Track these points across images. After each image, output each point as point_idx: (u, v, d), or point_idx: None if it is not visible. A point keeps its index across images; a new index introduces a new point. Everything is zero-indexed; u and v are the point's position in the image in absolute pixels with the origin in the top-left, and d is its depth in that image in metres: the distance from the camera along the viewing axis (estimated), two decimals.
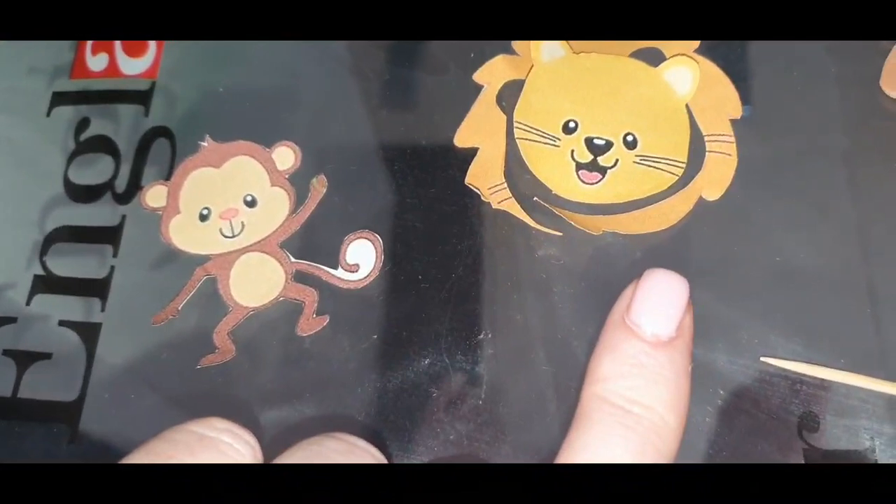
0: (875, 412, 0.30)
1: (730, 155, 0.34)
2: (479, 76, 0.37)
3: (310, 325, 0.34)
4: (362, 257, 0.35)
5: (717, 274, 0.33)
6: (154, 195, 0.37)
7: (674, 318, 0.23)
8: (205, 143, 0.37)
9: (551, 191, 0.34)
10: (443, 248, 0.35)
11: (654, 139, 0.34)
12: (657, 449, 0.21)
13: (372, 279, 0.35)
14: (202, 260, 0.36)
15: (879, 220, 0.33)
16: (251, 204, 0.36)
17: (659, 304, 0.23)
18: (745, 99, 0.35)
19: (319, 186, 0.36)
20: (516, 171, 0.35)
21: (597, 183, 0.34)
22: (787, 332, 0.31)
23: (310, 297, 0.35)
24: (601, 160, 0.34)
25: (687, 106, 0.35)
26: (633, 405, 0.21)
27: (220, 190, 0.37)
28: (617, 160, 0.34)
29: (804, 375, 0.31)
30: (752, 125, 0.34)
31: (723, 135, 0.34)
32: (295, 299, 0.35)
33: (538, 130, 0.35)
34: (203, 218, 0.36)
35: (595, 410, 0.21)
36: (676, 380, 0.22)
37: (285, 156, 0.37)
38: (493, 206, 0.35)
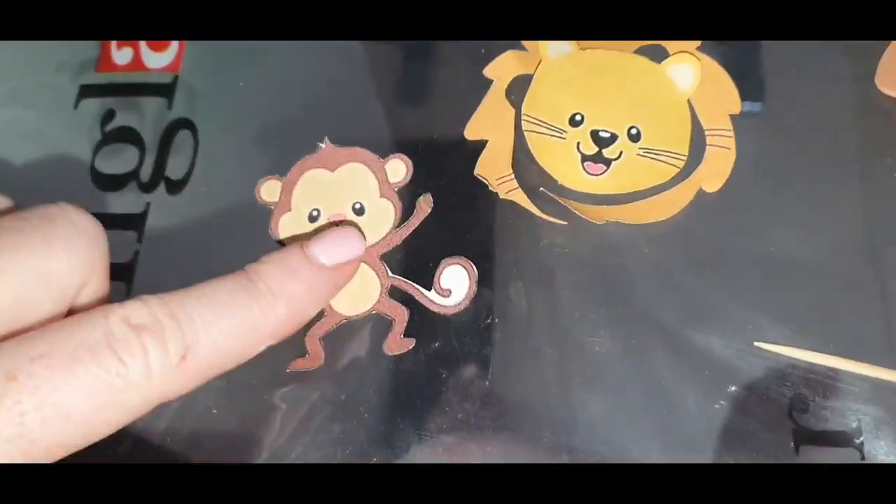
0: (861, 394, 0.31)
1: (729, 149, 0.35)
2: (489, 71, 0.38)
3: (398, 344, 0.35)
4: (456, 283, 0.35)
5: (714, 262, 0.34)
6: (269, 189, 0.38)
7: (335, 255, 0.30)
8: (323, 145, 0.38)
9: (557, 181, 0.36)
10: (452, 237, 0.36)
11: (657, 133, 0.36)
12: (253, 315, 0.26)
13: (464, 306, 0.35)
14: None
15: (870, 214, 0.34)
16: (359, 212, 0.37)
17: (332, 240, 0.30)
18: (745, 95, 0.36)
19: (425, 205, 0.37)
20: (524, 163, 0.36)
21: (601, 174, 0.35)
22: (780, 318, 0.33)
23: (401, 314, 0.35)
24: (606, 152, 0.36)
25: (689, 101, 0.36)
26: (260, 281, 0.27)
27: (332, 194, 0.37)
28: (621, 152, 0.36)
29: (795, 359, 0.32)
30: (751, 120, 0.36)
31: (723, 129, 0.36)
32: (386, 315, 0.35)
33: (545, 123, 0.36)
34: (312, 219, 0.37)
35: (235, 273, 0.27)
36: (310, 290, 0.28)
37: (398, 168, 0.37)
38: (501, 196, 0.36)
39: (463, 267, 0.35)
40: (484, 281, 0.35)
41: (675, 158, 0.35)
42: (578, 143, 0.36)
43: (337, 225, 0.36)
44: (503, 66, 0.38)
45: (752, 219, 0.34)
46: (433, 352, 0.34)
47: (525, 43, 0.38)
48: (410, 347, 0.35)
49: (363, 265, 0.36)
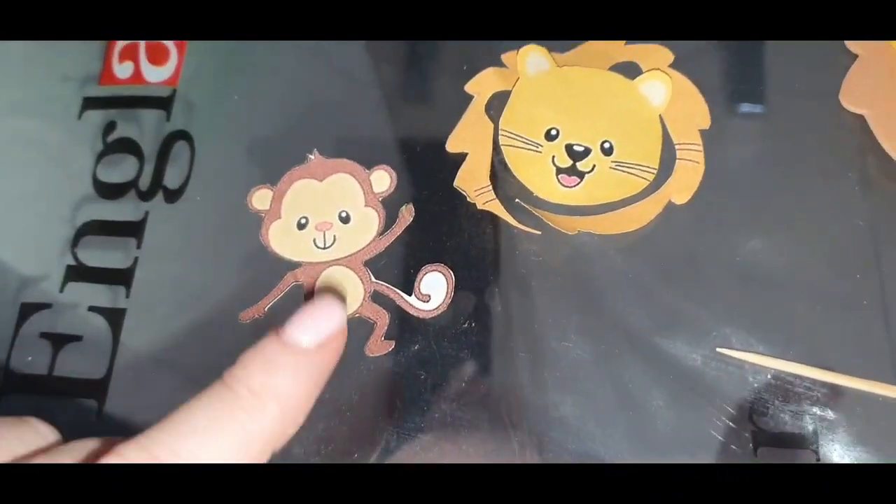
0: (819, 399, 0.33)
1: (698, 163, 0.37)
2: (470, 87, 0.40)
3: (378, 346, 0.36)
4: (435, 289, 0.37)
5: (682, 271, 0.36)
6: (260, 198, 0.39)
7: (316, 332, 0.26)
8: (312, 157, 0.40)
9: (532, 193, 0.37)
10: (433, 244, 0.38)
11: (629, 147, 0.37)
12: (243, 425, 0.23)
13: (441, 311, 0.36)
14: (293, 266, 0.38)
15: (832, 225, 0.35)
16: (345, 220, 0.38)
17: (308, 318, 0.26)
18: (715, 108, 0.38)
19: (407, 214, 0.38)
20: (501, 175, 0.38)
21: (575, 186, 0.37)
22: (743, 325, 0.34)
23: (382, 318, 0.37)
24: (580, 165, 0.37)
25: (660, 116, 0.38)
26: (240, 386, 0.24)
27: (320, 202, 0.39)
28: (594, 165, 0.37)
29: (756, 365, 0.34)
30: (719, 136, 0.37)
31: (692, 144, 0.37)
32: (369, 318, 0.37)
33: (522, 137, 0.38)
34: (301, 226, 0.39)
35: (214, 385, 0.24)
36: (297, 379, 0.25)
37: (382, 179, 0.39)
38: (479, 207, 0.38)
39: (442, 274, 0.37)
40: (462, 287, 0.37)
41: (646, 171, 0.37)
42: (553, 157, 0.37)
43: (324, 232, 0.38)
44: (483, 83, 0.40)
45: (719, 230, 0.36)
46: (412, 354, 0.36)
47: (504, 59, 0.40)
48: (390, 349, 0.36)
49: (347, 270, 0.38)
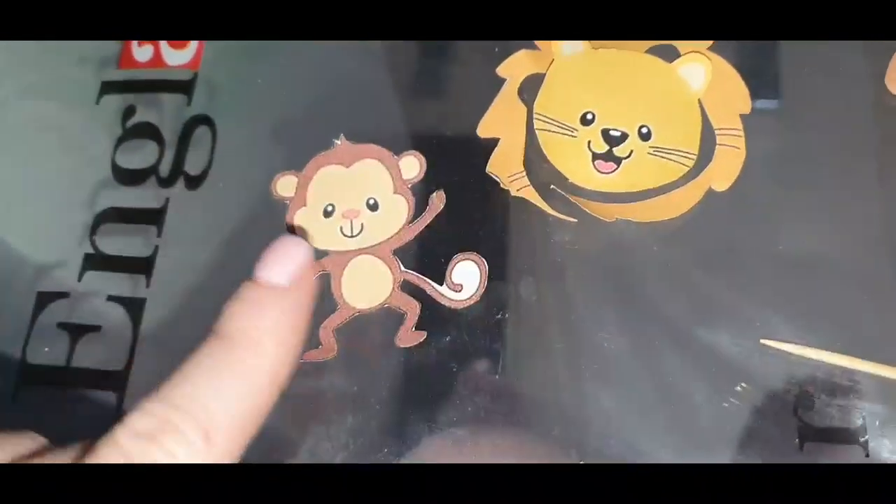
0: (866, 392, 0.32)
1: (738, 148, 0.36)
2: (502, 70, 0.39)
3: (409, 337, 0.35)
4: (468, 278, 0.36)
5: (722, 260, 0.35)
6: (284, 185, 0.38)
7: (287, 271, 0.27)
8: (338, 142, 0.38)
9: (568, 179, 0.36)
10: (465, 233, 0.37)
11: (667, 132, 0.36)
12: (245, 365, 0.25)
13: (474, 301, 0.35)
14: (320, 255, 0.37)
15: (881, 213, 0.34)
16: (373, 207, 0.37)
17: (276, 259, 0.28)
18: (757, 94, 0.36)
19: (438, 201, 0.37)
20: (535, 161, 0.37)
21: (612, 172, 0.36)
22: (787, 315, 0.33)
23: (413, 308, 0.36)
24: (616, 151, 0.36)
25: (699, 101, 0.37)
26: (231, 334, 0.25)
27: (347, 189, 0.38)
28: (632, 151, 0.36)
29: (801, 357, 0.32)
30: (761, 119, 0.36)
31: (732, 129, 0.36)
32: (399, 308, 0.36)
33: (557, 122, 0.37)
34: (327, 214, 0.37)
35: (205, 342, 0.25)
36: (283, 313, 0.26)
37: (411, 165, 0.38)
38: (513, 194, 0.37)
39: (474, 262, 0.36)
40: (495, 276, 0.36)
41: (686, 157, 0.36)
42: (589, 142, 0.36)
43: (352, 220, 0.37)
44: (516, 65, 0.38)
45: (761, 217, 0.35)
46: (444, 345, 0.35)
47: (538, 42, 0.38)
48: (422, 340, 0.35)
49: (376, 259, 0.37)
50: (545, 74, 0.38)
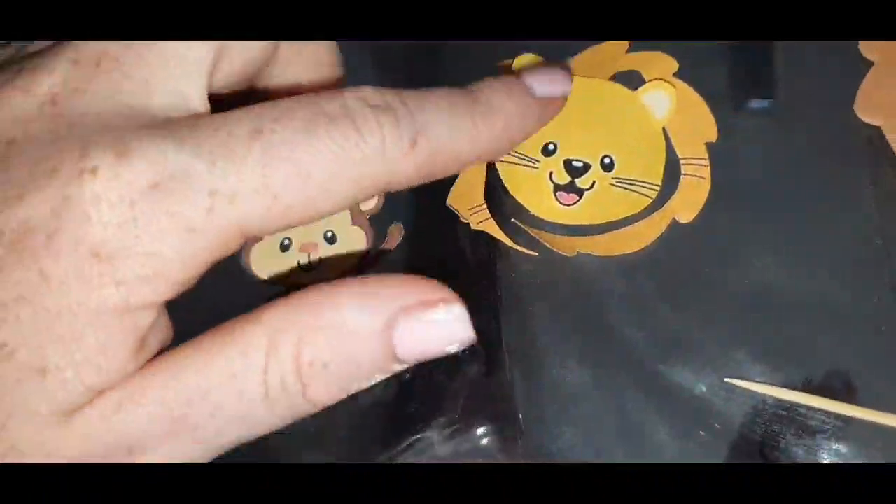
0: (834, 433, 0.31)
1: (703, 178, 0.35)
2: None
3: None
4: None
5: (687, 294, 0.34)
6: None
7: (547, 88, 0.29)
8: None
9: (529, 212, 0.36)
10: (423, 267, 0.36)
11: (631, 162, 0.35)
12: (474, 126, 0.26)
13: None
14: (276, 290, 0.36)
15: (846, 242, 0.33)
16: (331, 240, 0.37)
17: (544, 74, 0.30)
18: (721, 122, 0.35)
19: (396, 233, 0.37)
20: (496, 193, 0.36)
21: (574, 204, 0.35)
22: (753, 353, 0.32)
23: None
24: (579, 182, 0.35)
25: (664, 129, 0.36)
26: (482, 94, 0.27)
27: None
28: (594, 182, 0.35)
29: (767, 396, 0.32)
30: (725, 149, 0.35)
31: (698, 158, 0.35)
32: None
33: (518, 153, 0.36)
34: (284, 248, 0.37)
35: (454, 89, 0.27)
36: (523, 114, 0.28)
37: None
38: (473, 227, 0.36)
39: None
40: None
41: (649, 188, 0.35)
42: (551, 173, 0.35)
43: (309, 254, 0.36)
44: None
45: (727, 250, 0.34)
46: (404, 383, 0.34)
47: (500, 69, 0.38)
48: None
49: None
50: None
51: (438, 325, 0.24)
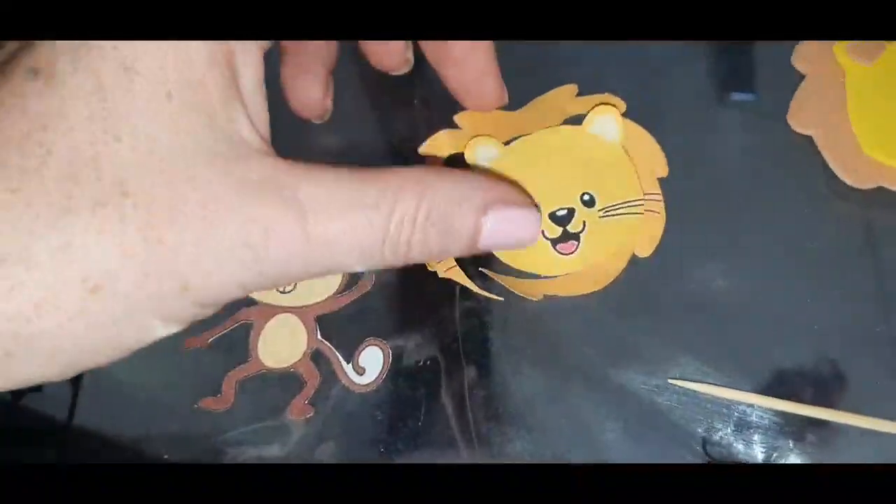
0: (770, 428, 0.35)
1: (658, 213, 0.36)
2: (424, 150, 0.36)
3: (300, 410, 0.36)
4: (372, 363, 0.37)
5: (635, 304, 0.37)
6: None
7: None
8: None
9: (500, 260, 0.37)
10: (390, 312, 0.38)
11: (607, 190, 0.36)
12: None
13: (372, 388, 0.37)
14: (249, 303, 0.37)
15: (781, 248, 0.37)
16: None
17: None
18: (671, 155, 0.36)
19: (366, 282, 0.38)
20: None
21: (575, 251, 0.36)
22: (695, 356, 0.36)
23: (313, 380, 0.37)
24: (570, 228, 0.36)
25: (622, 147, 0.36)
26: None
27: None
28: (584, 222, 0.36)
29: (708, 395, 0.35)
30: (675, 181, 0.37)
31: (652, 193, 0.36)
32: (302, 376, 0.37)
33: None
34: None
35: None
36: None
37: None
38: (440, 275, 0.37)
39: (380, 349, 0.37)
40: (422, 356, 0.37)
41: (635, 205, 0.36)
42: (543, 232, 0.36)
43: None
44: (437, 146, 0.36)
45: (682, 271, 0.37)
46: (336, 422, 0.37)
47: (457, 120, 0.36)
48: (308, 416, 0.37)
49: (299, 321, 0.38)
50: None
51: (517, 222, 0.26)
